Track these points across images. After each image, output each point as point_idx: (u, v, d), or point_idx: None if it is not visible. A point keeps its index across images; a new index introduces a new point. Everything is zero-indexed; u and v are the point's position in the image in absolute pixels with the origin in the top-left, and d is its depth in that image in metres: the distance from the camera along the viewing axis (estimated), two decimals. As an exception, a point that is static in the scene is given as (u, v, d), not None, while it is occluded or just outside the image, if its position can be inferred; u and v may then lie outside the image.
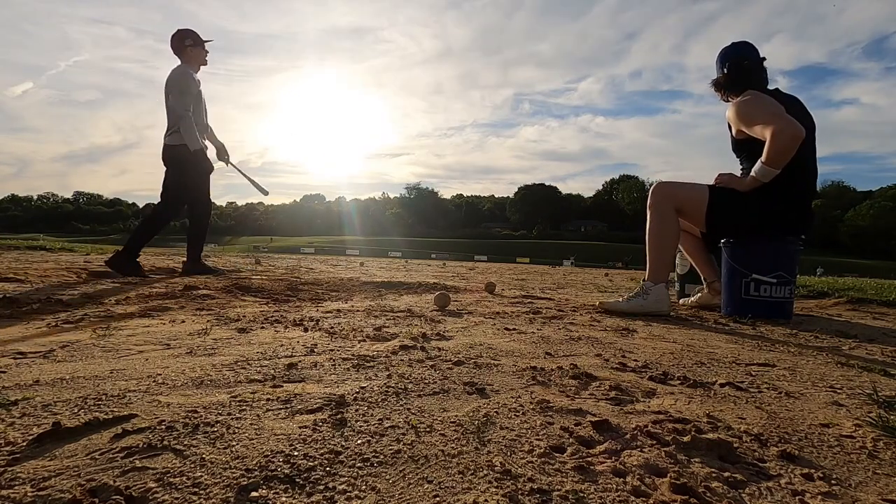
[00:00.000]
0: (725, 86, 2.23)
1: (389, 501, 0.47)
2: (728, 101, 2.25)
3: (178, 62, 3.10)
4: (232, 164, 3.56)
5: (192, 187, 3.14)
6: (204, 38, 3.19)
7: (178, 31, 3.11)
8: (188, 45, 3.08)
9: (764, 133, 1.92)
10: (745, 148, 2.15)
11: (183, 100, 3.00)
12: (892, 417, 0.76)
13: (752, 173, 2.00)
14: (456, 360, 1.08)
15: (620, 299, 2.17)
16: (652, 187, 2.25)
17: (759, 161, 1.96)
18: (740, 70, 2.17)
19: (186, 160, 3.06)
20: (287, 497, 0.47)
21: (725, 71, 2.20)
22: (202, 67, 3.23)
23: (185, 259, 3.35)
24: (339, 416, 0.68)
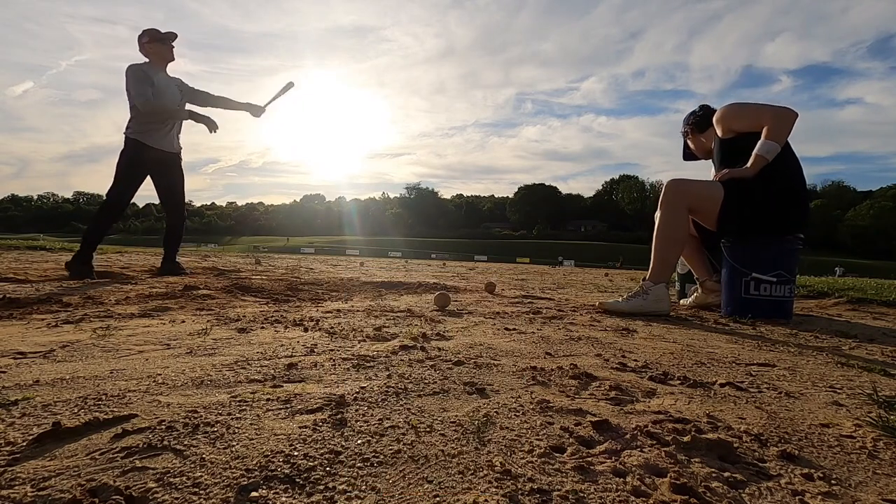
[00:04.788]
0: (698, 121, 2.53)
1: (389, 501, 0.47)
2: (689, 138, 2.62)
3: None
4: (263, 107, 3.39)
5: (115, 178, 2.97)
6: (163, 32, 3.08)
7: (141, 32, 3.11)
8: (144, 42, 3.05)
9: (760, 119, 2.08)
10: (730, 147, 2.21)
11: (137, 89, 2.92)
12: (892, 417, 0.76)
13: (756, 152, 2.04)
14: (456, 360, 1.08)
15: (620, 299, 2.17)
16: (665, 184, 2.23)
17: (760, 141, 2.05)
18: (709, 109, 2.51)
19: (120, 153, 2.99)
20: (287, 497, 0.47)
21: (699, 112, 2.54)
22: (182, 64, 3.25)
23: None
24: (339, 416, 0.68)
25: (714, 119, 2.26)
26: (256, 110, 3.40)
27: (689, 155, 2.69)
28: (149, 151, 3.02)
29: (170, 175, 3.23)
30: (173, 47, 3.14)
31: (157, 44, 3.06)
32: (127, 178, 2.99)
